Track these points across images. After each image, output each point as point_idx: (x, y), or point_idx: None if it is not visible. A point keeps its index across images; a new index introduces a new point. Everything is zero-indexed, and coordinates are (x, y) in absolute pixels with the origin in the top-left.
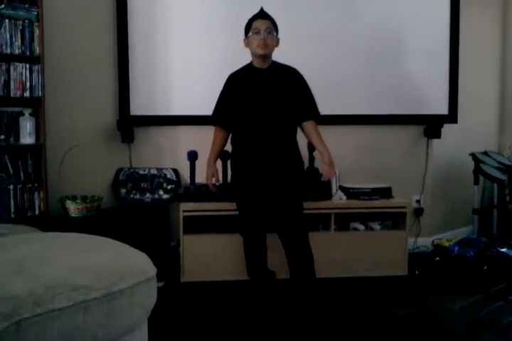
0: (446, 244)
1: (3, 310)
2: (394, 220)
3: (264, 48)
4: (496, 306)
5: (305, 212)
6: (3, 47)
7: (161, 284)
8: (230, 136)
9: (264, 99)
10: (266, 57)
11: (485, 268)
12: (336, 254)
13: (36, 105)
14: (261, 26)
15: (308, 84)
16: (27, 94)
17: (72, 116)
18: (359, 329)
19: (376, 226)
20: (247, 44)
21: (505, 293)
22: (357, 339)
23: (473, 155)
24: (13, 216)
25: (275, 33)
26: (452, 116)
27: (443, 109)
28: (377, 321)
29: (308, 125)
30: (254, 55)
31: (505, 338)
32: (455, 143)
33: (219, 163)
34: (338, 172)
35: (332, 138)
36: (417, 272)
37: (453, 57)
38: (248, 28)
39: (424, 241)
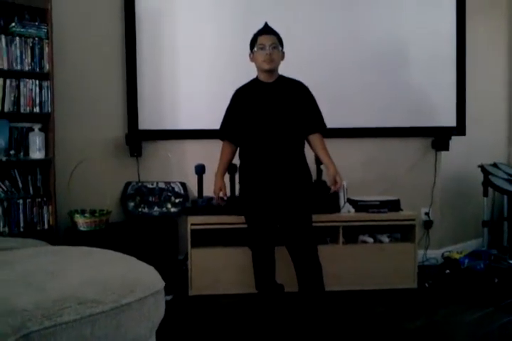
0: (456, 256)
1: (12, 323)
2: (403, 233)
3: (270, 63)
4: (507, 319)
5: (313, 224)
6: (14, 63)
7: (169, 298)
8: (238, 149)
9: (272, 113)
10: (272, 71)
11: (496, 280)
12: (345, 267)
13: (46, 120)
14: (266, 42)
15: (314, 97)
16: (37, 109)
17: (81, 131)
18: None
19: (385, 238)
20: (253, 59)
21: None
22: None
23: (482, 167)
24: (22, 230)
25: (280, 48)
26: (460, 128)
27: (451, 121)
28: (387, 334)
29: (315, 138)
30: (259, 69)
31: None
32: (463, 155)
33: (226, 177)
34: (346, 185)
35: (340, 150)
36: (426, 285)
37: (460, 68)
38: (253, 43)
39: (434, 254)
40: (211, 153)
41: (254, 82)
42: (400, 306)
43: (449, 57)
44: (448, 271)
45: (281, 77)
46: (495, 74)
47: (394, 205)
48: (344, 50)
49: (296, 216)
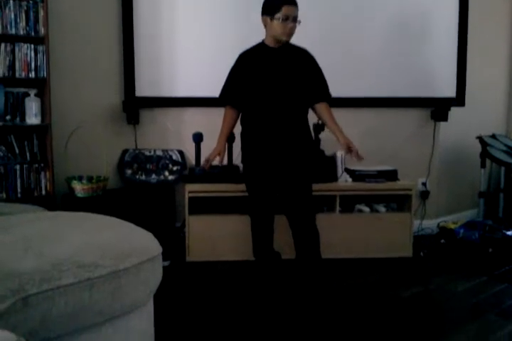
0: (452, 226)
1: (10, 286)
2: (399, 203)
3: (289, 36)
4: (500, 288)
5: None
6: (8, 27)
7: (166, 263)
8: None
9: (276, 79)
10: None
11: (490, 250)
12: (341, 236)
13: (41, 86)
14: (290, 13)
15: (320, 67)
16: (32, 74)
17: (77, 97)
18: (363, 309)
19: (381, 208)
20: (267, 24)
21: (510, 276)
22: (361, 320)
23: (480, 139)
24: (20, 196)
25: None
26: (460, 99)
27: (451, 92)
28: (381, 302)
29: (321, 107)
30: (272, 37)
31: (509, 319)
32: (462, 126)
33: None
34: (343, 155)
35: (338, 120)
36: (421, 254)
37: (461, 39)
38: (275, 10)
39: (430, 224)
40: (209, 121)
41: (260, 47)
42: (394, 275)
43: (451, 27)
44: (443, 240)
45: (287, 44)
46: (496, 46)
47: (391, 175)
48: (345, 19)
49: (297, 184)
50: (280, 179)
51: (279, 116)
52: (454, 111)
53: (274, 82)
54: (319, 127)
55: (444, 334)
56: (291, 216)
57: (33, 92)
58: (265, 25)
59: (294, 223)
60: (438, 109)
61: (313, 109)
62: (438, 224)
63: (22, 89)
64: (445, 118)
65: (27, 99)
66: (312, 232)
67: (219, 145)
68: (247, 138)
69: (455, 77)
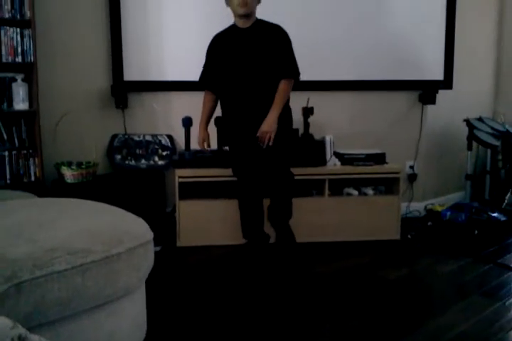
0: (439, 208)
1: (3, 272)
2: (387, 185)
3: (244, 7)
4: (485, 269)
5: (300, 177)
6: None
7: (158, 248)
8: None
9: (245, 59)
10: (247, 16)
11: (476, 232)
12: (330, 219)
13: (29, 70)
14: None
15: (289, 42)
16: (19, 59)
17: (65, 81)
18: (351, 291)
19: (369, 191)
20: (228, 3)
21: (495, 257)
22: (349, 301)
23: (467, 121)
24: (9, 182)
25: None
26: (447, 82)
27: (438, 75)
28: (369, 283)
29: (280, 85)
30: (235, 14)
31: (493, 299)
32: (450, 109)
33: (213, 129)
34: (332, 138)
35: (327, 104)
36: (409, 236)
37: (449, 21)
38: None
39: (417, 206)
40: (198, 105)
41: (231, 29)
42: (382, 257)
43: (439, 9)
44: (430, 223)
45: (259, 22)
46: (484, 28)
47: (379, 158)
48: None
49: (272, 163)
50: (257, 159)
51: (251, 97)
52: (442, 94)
53: (242, 63)
54: (308, 111)
55: (431, 314)
56: (270, 192)
57: (20, 77)
58: (228, 6)
59: (271, 199)
60: (426, 91)
61: None
62: (425, 207)
63: (9, 74)
64: (433, 101)
65: (14, 85)
66: (285, 210)
67: (201, 132)
68: (226, 120)
69: (443, 60)
